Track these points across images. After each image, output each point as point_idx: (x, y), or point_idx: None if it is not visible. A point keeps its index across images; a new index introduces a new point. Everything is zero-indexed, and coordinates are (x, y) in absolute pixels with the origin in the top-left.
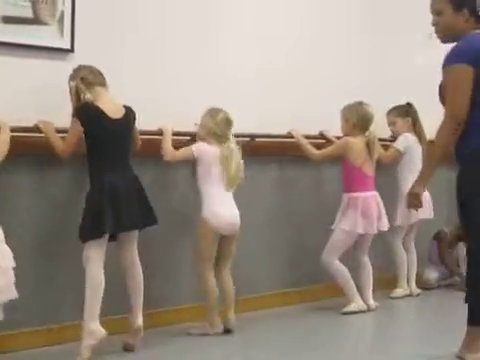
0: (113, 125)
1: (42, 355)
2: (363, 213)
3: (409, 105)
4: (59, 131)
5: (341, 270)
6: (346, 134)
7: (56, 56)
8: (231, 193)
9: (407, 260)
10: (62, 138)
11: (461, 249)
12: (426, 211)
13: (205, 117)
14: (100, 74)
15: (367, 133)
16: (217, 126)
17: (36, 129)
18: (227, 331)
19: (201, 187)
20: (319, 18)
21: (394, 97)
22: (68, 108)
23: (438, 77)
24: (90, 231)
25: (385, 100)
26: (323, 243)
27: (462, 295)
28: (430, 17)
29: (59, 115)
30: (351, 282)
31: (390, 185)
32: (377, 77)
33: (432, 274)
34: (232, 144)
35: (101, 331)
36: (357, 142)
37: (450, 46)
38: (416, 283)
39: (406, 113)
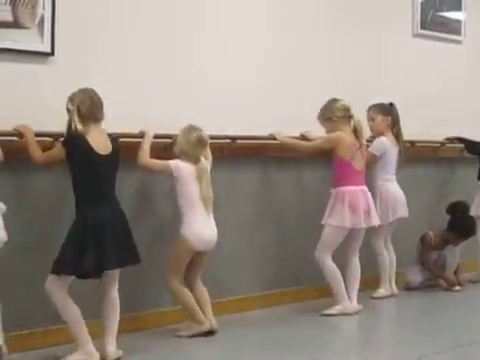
0: (100, 161)
1: (24, 359)
2: (350, 207)
3: (391, 105)
4: (39, 135)
5: (333, 270)
6: (332, 130)
7: (36, 60)
8: (211, 212)
9: (391, 260)
10: (40, 142)
11: (452, 253)
12: (402, 210)
13: (180, 135)
14: (98, 106)
15: (352, 122)
16: (188, 146)
17: (16, 133)
18: (211, 332)
19: (180, 205)
20: (301, 19)
21: (378, 98)
22: (48, 112)
23: (422, 77)
24: (68, 266)
25: (369, 100)
26: (306, 244)
27: (446, 295)
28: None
29: (39, 119)
30: (341, 284)
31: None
32: (360, 77)
33: (415, 276)
34: (203, 162)
35: (96, 355)
36: (347, 136)
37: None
38: (400, 284)
39: (387, 112)
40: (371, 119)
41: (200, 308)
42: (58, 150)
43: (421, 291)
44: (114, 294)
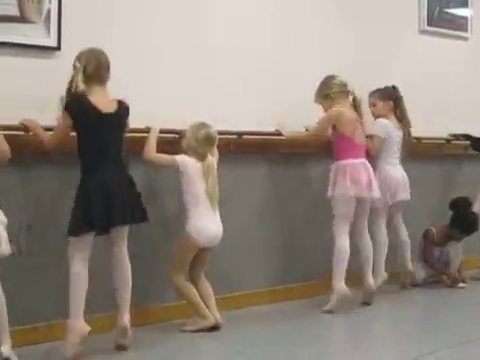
0: (104, 119)
1: (28, 353)
2: (352, 179)
3: (393, 88)
4: (45, 129)
5: (341, 248)
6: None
7: (43, 54)
8: (217, 209)
9: (402, 242)
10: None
11: (455, 249)
12: (403, 193)
13: (188, 131)
14: (104, 66)
15: (350, 96)
16: (197, 143)
17: (22, 127)
18: (216, 327)
19: (186, 202)
20: (306, 16)
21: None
22: (55, 106)
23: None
24: (77, 226)
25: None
26: (312, 240)
27: (450, 292)
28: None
29: (46, 113)
30: (343, 265)
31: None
32: (366, 73)
33: (419, 272)
34: (210, 159)
35: (85, 328)
36: (346, 111)
37: None
38: (404, 280)
39: (388, 96)
40: (372, 105)
41: (204, 303)
42: (63, 118)
43: (424, 288)
44: (124, 252)
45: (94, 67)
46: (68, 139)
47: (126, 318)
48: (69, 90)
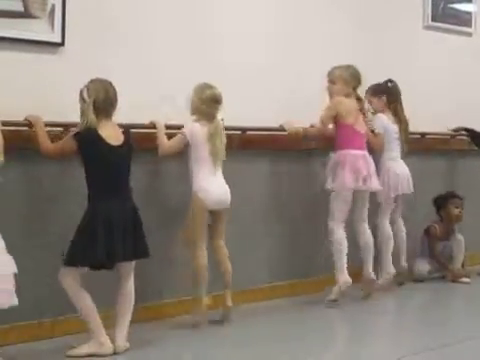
0: (112, 152)
1: (34, 349)
2: (351, 168)
3: (387, 82)
4: (49, 125)
5: (340, 240)
6: (333, 96)
7: (46, 50)
8: (220, 169)
9: (397, 237)
10: (50, 133)
11: (457, 242)
12: (405, 186)
13: (193, 94)
14: (113, 101)
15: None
16: (203, 104)
17: (26, 123)
18: (221, 321)
19: (191, 166)
20: (310, 12)
21: None
22: (59, 102)
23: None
24: (77, 258)
25: None
26: (315, 236)
27: (453, 287)
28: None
29: (49, 109)
30: (343, 256)
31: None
32: (371, 69)
33: (424, 267)
34: (218, 121)
35: (109, 345)
36: (348, 101)
37: None
38: (408, 274)
39: (381, 91)
40: (369, 102)
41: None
42: (69, 142)
43: (429, 283)
44: (128, 287)
45: (103, 100)
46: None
47: (121, 339)
48: (81, 123)
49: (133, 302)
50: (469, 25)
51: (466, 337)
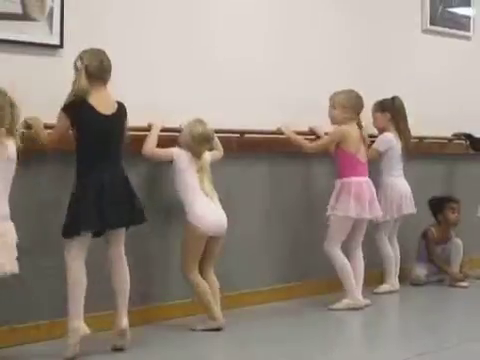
0: (103, 121)
1: (31, 351)
2: (355, 197)
3: (392, 99)
4: (48, 127)
5: (342, 262)
6: (338, 122)
7: (45, 52)
8: (215, 196)
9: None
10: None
11: (455, 246)
12: (409, 206)
13: (185, 128)
14: (107, 69)
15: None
16: (193, 141)
17: (25, 125)
18: (219, 329)
19: (179, 192)
20: (309, 16)
21: (386, 93)
22: (57, 104)
23: (431, 73)
24: (72, 227)
25: (377, 96)
26: (314, 239)
27: (452, 291)
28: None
29: (48, 111)
30: (351, 277)
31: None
32: (369, 73)
33: (421, 271)
34: (206, 157)
35: (84, 329)
36: (351, 130)
37: None
38: (405, 279)
39: (385, 108)
40: (373, 117)
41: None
42: (60, 118)
43: (427, 286)
44: (122, 260)
45: (96, 67)
46: (67, 137)
47: (124, 320)
48: (70, 92)
49: (128, 277)
50: (467, 29)
51: (464, 340)
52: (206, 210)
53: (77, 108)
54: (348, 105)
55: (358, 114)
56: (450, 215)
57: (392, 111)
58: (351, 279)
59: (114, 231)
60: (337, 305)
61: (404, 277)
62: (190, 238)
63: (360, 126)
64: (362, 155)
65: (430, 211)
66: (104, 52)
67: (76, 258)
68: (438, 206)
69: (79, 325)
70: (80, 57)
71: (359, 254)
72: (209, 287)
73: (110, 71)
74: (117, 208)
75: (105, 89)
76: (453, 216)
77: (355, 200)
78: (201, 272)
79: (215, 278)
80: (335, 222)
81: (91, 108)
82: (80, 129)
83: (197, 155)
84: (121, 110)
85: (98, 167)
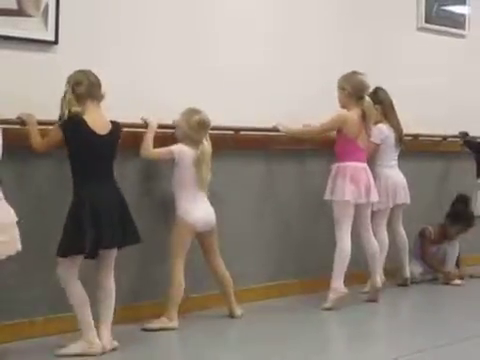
0: (97, 141)
1: (26, 348)
2: (351, 180)
3: (375, 92)
4: (42, 123)
5: (343, 249)
6: (343, 104)
7: (40, 48)
8: (205, 193)
9: (399, 244)
10: (43, 130)
11: (452, 246)
12: (402, 196)
13: (180, 119)
14: (95, 85)
15: (365, 103)
16: (191, 130)
17: (19, 121)
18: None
19: (176, 189)
20: (305, 14)
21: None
22: (52, 100)
23: (426, 71)
24: (68, 248)
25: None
26: (309, 237)
27: (446, 288)
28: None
29: (43, 107)
30: (343, 266)
31: None
32: (363, 70)
33: (417, 268)
34: (205, 146)
35: (98, 344)
36: (353, 116)
37: None
38: (398, 277)
39: (375, 102)
40: None
41: (223, 291)
42: (55, 133)
43: (421, 285)
44: (110, 280)
45: (85, 86)
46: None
47: (107, 337)
48: (65, 111)
49: (114, 297)
50: (463, 27)
51: (460, 338)
52: (194, 206)
53: (74, 126)
54: (348, 86)
55: (361, 96)
56: (454, 231)
57: (382, 104)
58: (342, 269)
59: (105, 254)
60: (326, 304)
61: (399, 275)
62: (178, 233)
63: (364, 114)
64: (362, 141)
65: (449, 209)
66: (91, 71)
67: (71, 278)
68: (458, 217)
69: (94, 335)
70: (67, 81)
71: (369, 238)
72: (221, 281)
73: (100, 88)
74: (112, 228)
75: (99, 108)
76: (455, 234)
77: (351, 184)
78: (212, 268)
79: (227, 274)
80: (336, 208)
81: (87, 128)
82: (74, 147)
83: (197, 144)
84: (115, 130)
85: (92, 185)
